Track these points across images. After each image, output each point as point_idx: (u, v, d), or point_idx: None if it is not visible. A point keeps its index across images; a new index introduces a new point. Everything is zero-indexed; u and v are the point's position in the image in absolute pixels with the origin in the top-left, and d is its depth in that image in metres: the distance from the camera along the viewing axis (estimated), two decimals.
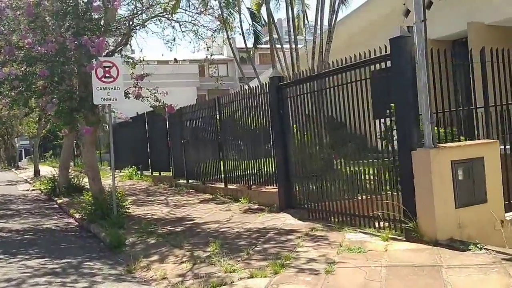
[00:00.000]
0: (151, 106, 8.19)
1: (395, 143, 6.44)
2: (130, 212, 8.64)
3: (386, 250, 4.96)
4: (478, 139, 5.81)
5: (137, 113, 15.17)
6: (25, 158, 51.35)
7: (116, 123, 15.86)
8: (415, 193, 5.26)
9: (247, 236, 6.29)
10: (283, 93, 7.80)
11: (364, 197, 6.39)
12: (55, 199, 12.35)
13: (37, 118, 30.35)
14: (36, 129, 39.89)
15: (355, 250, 5.03)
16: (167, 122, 13.50)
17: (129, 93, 8.10)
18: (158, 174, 14.76)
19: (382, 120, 6.32)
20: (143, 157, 15.81)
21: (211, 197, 10.22)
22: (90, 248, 6.65)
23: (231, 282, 4.35)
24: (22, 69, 7.78)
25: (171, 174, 13.62)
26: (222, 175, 10.45)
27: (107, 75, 7.62)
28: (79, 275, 5.18)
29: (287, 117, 7.76)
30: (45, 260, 5.88)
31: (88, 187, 13.28)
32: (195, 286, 4.40)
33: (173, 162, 13.46)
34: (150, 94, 7.86)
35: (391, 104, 5.80)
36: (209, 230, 6.92)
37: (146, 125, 15.36)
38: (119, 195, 8.28)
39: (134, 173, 16.51)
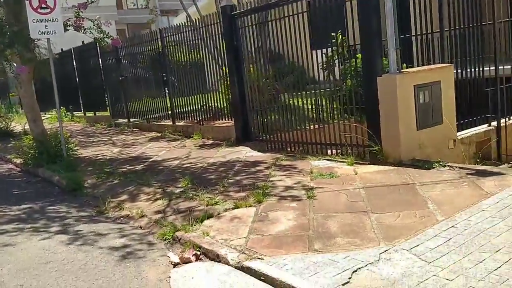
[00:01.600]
0: (94, 39, 7.56)
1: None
2: (78, 155, 8.22)
3: (356, 174, 5.21)
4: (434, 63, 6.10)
5: (62, 49, 13.99)
6: None
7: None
8: (379, 118, 5.50)
9: (214, 170, 6.29)
10: (236, 23, 7.57)
11: (321, 126, 6.63)
12: None
13: None
14: None
15: (327, 175, 5.23)
16: (99, 59, 12.65)
17: (69, 25, 7.39)
18: (92, 115, 14.03)
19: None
20: (73, 97, 14.82)
21: (159, 135, 9.98)
22: (45, 193, 6.30)
23: (218, 214, 4.37)
24: None
25: (108, 114, 13.00)
26: (169, 112, 10.17)
27: (43, 5, 6.87)
28: (48, 219, 4.94)
29: (241, 48, 7.59)
30: (3, 208, 5.51)
31: (16, 131, 12.53)
32: (180, 220, 4.37)
33: (110, 101, 12.81)
34: (94, 25, 7.22)
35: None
36: (171, 167, 6.82)
37: (75, 62, 14.29)
38: (65, 136, 7.79)
39: (63, 114, 15.53)
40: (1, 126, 12.38)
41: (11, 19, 7.38)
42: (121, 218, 4.86)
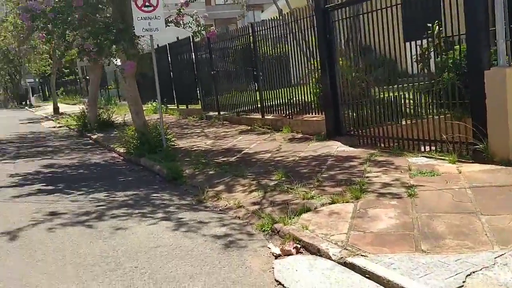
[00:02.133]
0: (193, 33, 7.91)
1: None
2: (175, 145, 8.66)
3: (460, 172, 4.95)
4: None
5: (158, 45, 14.73)
6: (32, 96, 51.15)
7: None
8: (486, 114, 5.16)
9: (306, 164, 6.30)
10: (329, 16, 7.48)
11: (416, 121, 6.37)
12: (88, 134, 12.40)
13: (50, 54, 29.91)
14: (43, 66, 39.54)
15: (428, 173, 5.03)
16: (193, 54, 13.19)
17: (169, 21, 7.79)
18: (185, 107, 14.68)
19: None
20: (167, 91, 15.60)
21: (249, 128, 10.20)
22: (148, 181, 6.72)
23: (315, 208, 4.38)
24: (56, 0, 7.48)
25: (199, 107, 13.52)
26: (258, 106, 10.35)
27: (146, 3, 7.31)
28: (153, 206, 5.27)
29: (333, 41, 7.50)
30: (111, 193, 5.96)
31: (117, 122, 13.47)
32: (277, 212, 4.45)
33: (202, 95, 13.31)
34: (193, 19, 7.55)
35: None
36: (264, 159, 6.94)
37: (169, 57, 15.02)
38: (165, 128, 8.25)
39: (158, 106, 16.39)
40: (104, 117, 13.35)
41: (117, 18, 7.93)
42: (220, 208, 5.06)
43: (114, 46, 7.84)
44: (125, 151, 8.73)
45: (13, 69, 44.58)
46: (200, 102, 13.54)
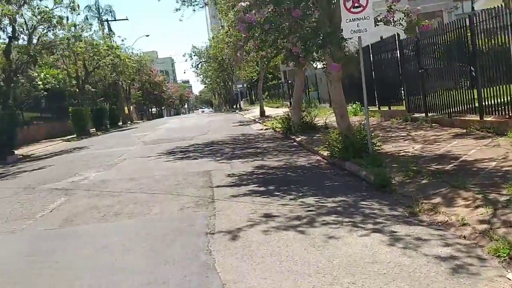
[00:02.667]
0: (404, 30, 7.43)
1: None
2: (380, 150, 8.29)
3: None
4: None
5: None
6: (241, 100, 56.44)
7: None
8: None
9: None
10: None
11: None
12: (292, 137, 12.92)
13: (257, 61, 32.57)
14: (251, 73, 43.28)
15: None
16: (398, 52, 12.53)
17: (378, 20, 7.47)
18: (387, 109, 14.09)
19: None
20: (368, 92, 15.13)
21: (464, 131, 9.14)
22: (354, 187, 6.52)
23: None
24: (269, 10, 7.89)
25: (403, 108, 12.78)
26: (475, 105, 9.18)
27: (356, 4, 7.13)
28: (363, 215, 5.04)
29: None
30: (320, 198, 5.95)
31: (318, 124, 13.71)
32: None
33: (407, 95, 12.55)
34: (404, 15, 7.09)
35: None
36: (488, 169, 6.05)
37: (371, 57, 14.63)
38: (371, 131, 7.95)
39: (358, 109, 16.17)
40: (307, 120, 13.74)
41: (324, 22, 7.96)
42: (438, 224, 4.53)
43: (321, 50, 7.90)
44: (328, 154, 8.73)
45: (226, 76, 50.22)
46: (404, 103, 12.79)
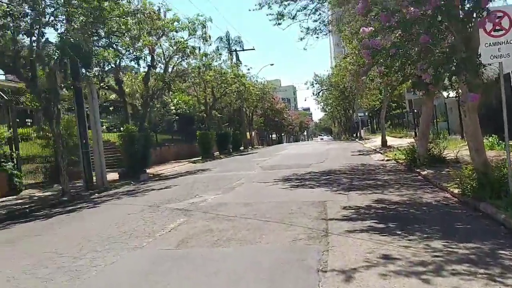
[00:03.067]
0: None
1: None
2: None
3: None
4: None
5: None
6: (362, 129, 54.96)
7: None
8: None
9: None
10: None
11: None
12: (417, 170, 11.99)
13: (379, 89, 31.58)
14: (373, 101, 42.05)
15: None
16: None
17: None
18: None
19: None
20: (509, 124, 13.56)
21: None
22: (491, 232, 5.68)
23: None
24: (397, 35, 7.46)
25: None
26: None
27: (497, 27, 6.39)
28: (502, 268, 4.30)
29: None
30: (448, 242, 5.25)
31: (448, 157, 12.55)
32: None
33: None
34: None
35: None
36: None
37: None
38: None
39: (495, 142, 14.52)
40: (435, 152, 12.69)
41: (459, 47, 7.26)
42: None
43: (454, 77, 7.21)
44: (460, 192, 7.84)
45: (347, 104, 49.53)
46: None
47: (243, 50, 57.68)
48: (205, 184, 13.13)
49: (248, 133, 49.02)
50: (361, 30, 7.61)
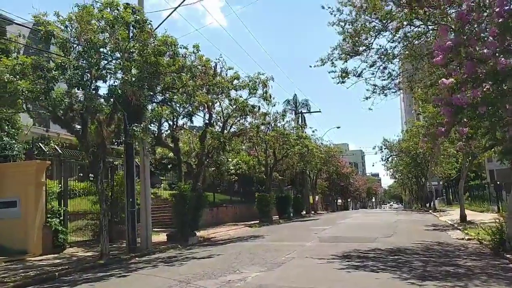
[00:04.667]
0: None
1: None
2: None
3: None
4: None
5: None
6: (435, 199, 50.84)
7: None
8: None
9: None
10: None
11: None
12: (507, 256, 9.74)
13: (457, 157, 28.88)
14: (450, 169, 38.80)
15: None
16: None
17: None
18: None
19: None
20: None
21: None
22: None
23: None
24: (484, 89, 5.90)
25: None
26: None
27: None
28: None
29: None
30: None
31: None
32: None
33: None
34: None
35: None
36: None
37: None
38: None
39: None
40: None
41: None
42: None
43: None
44: None
45: (419, 172, 46.21)
46: None
47: (309, 112, 57.14)
48: (251, 255, 11.61)
49: (311, 197, 47.02)
50: (439, 81, 6.14)
